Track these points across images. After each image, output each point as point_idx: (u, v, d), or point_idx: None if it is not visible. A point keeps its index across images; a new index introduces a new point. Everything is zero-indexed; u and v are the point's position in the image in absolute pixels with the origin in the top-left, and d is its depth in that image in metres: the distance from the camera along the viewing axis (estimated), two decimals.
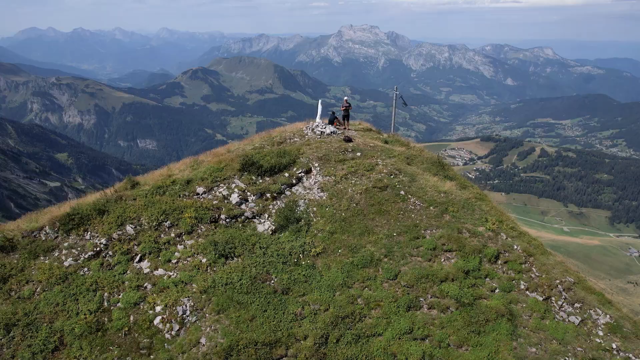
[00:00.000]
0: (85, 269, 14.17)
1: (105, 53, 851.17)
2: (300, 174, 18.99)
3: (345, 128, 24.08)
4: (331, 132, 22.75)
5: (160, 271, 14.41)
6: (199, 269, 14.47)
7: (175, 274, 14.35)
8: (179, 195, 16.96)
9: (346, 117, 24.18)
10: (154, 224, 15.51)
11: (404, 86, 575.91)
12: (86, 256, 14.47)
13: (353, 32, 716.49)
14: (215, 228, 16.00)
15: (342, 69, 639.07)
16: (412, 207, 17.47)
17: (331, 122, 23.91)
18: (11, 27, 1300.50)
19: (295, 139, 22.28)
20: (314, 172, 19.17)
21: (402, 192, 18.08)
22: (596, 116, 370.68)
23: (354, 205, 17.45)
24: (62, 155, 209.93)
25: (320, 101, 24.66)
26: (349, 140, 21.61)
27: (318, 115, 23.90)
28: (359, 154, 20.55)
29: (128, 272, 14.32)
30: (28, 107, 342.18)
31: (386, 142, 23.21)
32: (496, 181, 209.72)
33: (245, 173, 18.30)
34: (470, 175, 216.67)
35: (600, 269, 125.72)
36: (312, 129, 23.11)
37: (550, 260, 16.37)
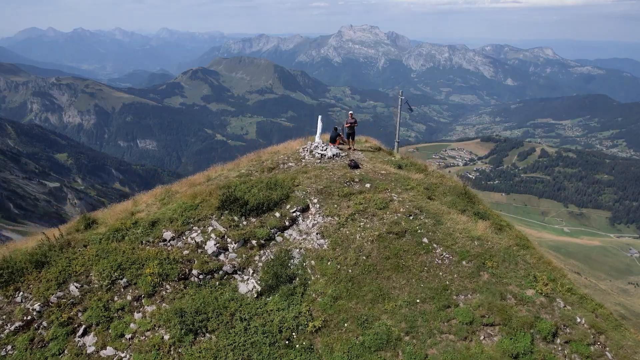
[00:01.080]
0: (9, 347, 10.80)
1: (105, 53, 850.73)
2: (295, 214, 15.11)
3: (350, 148, 20.84)
4: (333, 155, 19.03)
5: (109, 350, 11.10)
6: (159, 349, 11.05)
7: (128, 356, 11.01)
8: (141, 242, 13.62)
9: (351, 134, 20.76)
10: (105, 282, 12.20)
11: (404, 86, 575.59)
12: (12, 328, 11.11)
13: (353, 32, 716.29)
14: (185, 288, 12.54)
15: (342, 69, 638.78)
16: (439, 262, 13.68)
17: (333, 140, 20.77)
18: (11, 27, 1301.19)
19: (290, 164, 18.50)
20: (313, 210, 15.37)
21: (425, 240, 14.16)
22: (596, 116, 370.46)
23: (364, 258, 13.64)
24: (61, 156, 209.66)
25: (319, 117, 20.80)
26: (355, 166, 18.01)
27: (317, 134, 20.32)
28: (368, 185, 16.58)
29: (66, 351, 10.94)
30: (28, 107, 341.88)
31: (400, 167, 19.25)
32: (496, 181, 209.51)
33: (226, 212, 14.61)
34: (470, 176, 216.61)
35: (601, 269, 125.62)
36: (311, 151, 19.45)
37: (628, 339, 12.53)
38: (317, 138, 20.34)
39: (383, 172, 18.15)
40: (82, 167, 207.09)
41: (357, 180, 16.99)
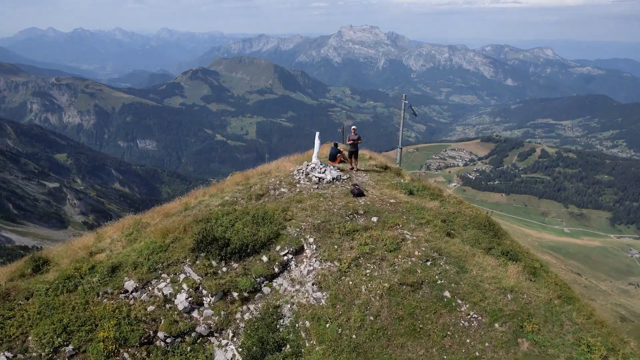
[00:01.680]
0: None
1: (105, 53, 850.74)
2: (286, 257, 12.37)
3: (352, 168, 18.39)
4: (333, 179, 16.35)
5: None
6: None
7: None
8: (98, 294, 10.90)
9: (354, 153, 18.28)
10: (46, 350, 9.41)
11: (404, 86, 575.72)
12: None
13: (353, 32, 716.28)
14: (148, 356, 9.93)
15: (342, 69, 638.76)
16: (466, 324, 10.72)
17: (333, 158, 18.36)
18: (11, 27, 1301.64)
19: (282, 190, 15.70)
20: (308, 252, 12.57)
21: (447, 294, 11.36)
22: (596, 117, 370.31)
23: (372, 318, 10.85)
24: (61, 156, 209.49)
25: (317, 135, 18.00)
26: (359, 193, 15.26)
27: (315, 153, 17.64)
28: (375, 219, 13.79)
29: None
30: (28, 108, 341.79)
31: (411, 193, 16.53)
32: (496, 182, 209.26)
33: (202, 255, 11.84)
34: (470, 176, 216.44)
35: (601, 270, 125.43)
36: (307, 173, 16.74)
37: None
38: (314, 158, 17.62)
39: (392, 200, 15.36)
40: (82, 167, 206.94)
41: (361, 212, 14.24)
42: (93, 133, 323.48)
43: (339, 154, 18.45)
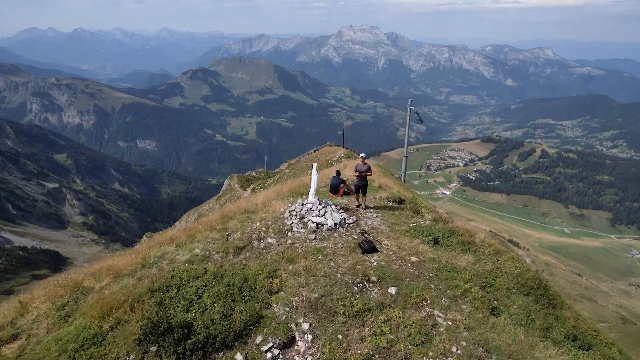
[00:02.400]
0: None
1: (105, 53, 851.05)
2: (269, 354, 8.25)
3: (359, 205, 14.42)
4: (335, 225, 12.55)
5: None
6: None
7: None
8: None
9: (362, 187, 14.21)
10: None
11: (404, 87, 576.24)
12: None
13: (353, 32, 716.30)
14: None
15: (342, 69, 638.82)
16: None
17: (334, 189, 14.85)
18: (11, 27, 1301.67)
19: (269, 240, 11.91)
20: (301, 345, 8.49)
21: None
22: (596, 117, 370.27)
23: None
24: (61, 156, 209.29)
25: (314, 166, 14.02)
26: (370, 248, 11.42)
27: (312, 189, 13.56)
28: (393, 290, 9.86)
29: None
30: (27, 108, 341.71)
31: (436, 242, 12.61)
32: (497, 182, 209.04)
33: (153, 349, 8.02)
34: (470, 177, 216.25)
35: (602, 270, 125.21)
36: (301, 217, 12.86)
37: None
38: (311, 196, 13.43)
39: (414, 258, 11.40)
40: (82, 167, 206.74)
41: (374, 278, 10.24)
42: (93, 133, 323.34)
43: (341, 185, 14.95)
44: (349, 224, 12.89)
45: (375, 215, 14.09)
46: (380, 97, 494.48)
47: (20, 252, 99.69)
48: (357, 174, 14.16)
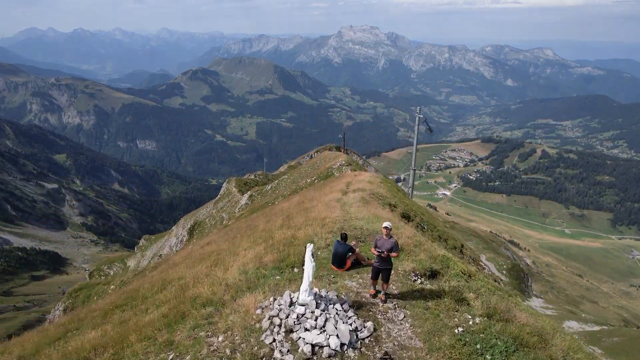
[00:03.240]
0: None
1: (105, 53, 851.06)
2: None
3: (377, 292, 9.11)
4: (341, 347, 7.20)
5: None
6: None
7: None
8: None
9: (383, 272, 8.81)
10: None
11: (404, 87, 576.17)
12: None
13: (353, 32, 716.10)
14: None
15: (342, 69, 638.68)
16: None
17: (340, 262, 10.05)
18: (11, 28, 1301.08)
19: None
20: None
21: None
22: (597, 117, 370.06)
23: None
24: (60, 157, 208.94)
25: (309, 248, 8.35)
26: None
27: (305, 283, 8.08)
28: None
29: None
30: (27, 108, 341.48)
31: None
32: (497, 183, 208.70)
33: None
34: (471, 177, 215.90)
35: (603, 271, 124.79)
36: (288, 329, 7.52)
37: None
38: (303, 293, 8.05)
39: None
40: (81, 168, 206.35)
41: None
42: (93, 133, 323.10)
43: (349, 254, 9.99)
44: (363, 338, 7.57)
45: (402, 315, 8.46)
46: (380, 97, 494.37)
47: (20, 253, 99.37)
48: (379, 252, 8.68)
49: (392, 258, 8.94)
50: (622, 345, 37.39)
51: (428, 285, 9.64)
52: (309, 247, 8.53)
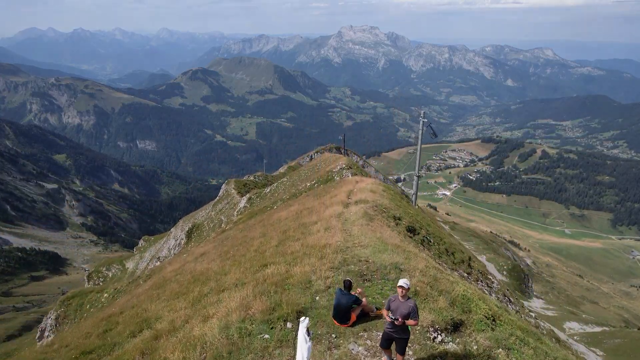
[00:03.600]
0: None
1: (105, 53, 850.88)
2: None
3: None
4: None
5: None
6: None
7: None
8: None
9: (398, 342, 6.88)
10: None
11: (404, 87, 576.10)
12: None
13: (353, 32, 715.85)
14: None
15: (342, 69, 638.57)
16: None
17: (342, 317, 7.99)
18: (11, 28, 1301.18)
19: None
20: None
21: None
22: (597, 117, 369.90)
23: None
24: (60, 157, 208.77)
25: (303, 324, 6.43)
26: None
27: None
28: None
29: None
30: (27, 108, 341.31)
31: None
32: (497, 183, 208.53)
33: None
34: (471, 177, 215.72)
35: (603, 272, 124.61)
36: None
37: None
38: None
39: None
40: (81, 168, 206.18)
41: None
42: (92, 133, 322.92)
43: (353, 307, 8.05)
44: None
45: None
46: (380, 97, 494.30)
47: (19, 253, 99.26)
48: (392, 318, 6.79)
49: (408, 328, 7.04)
50: (623, 347, 37.26)
51: (451, 345, 7.61)
52: (303, 324, 6.54)
